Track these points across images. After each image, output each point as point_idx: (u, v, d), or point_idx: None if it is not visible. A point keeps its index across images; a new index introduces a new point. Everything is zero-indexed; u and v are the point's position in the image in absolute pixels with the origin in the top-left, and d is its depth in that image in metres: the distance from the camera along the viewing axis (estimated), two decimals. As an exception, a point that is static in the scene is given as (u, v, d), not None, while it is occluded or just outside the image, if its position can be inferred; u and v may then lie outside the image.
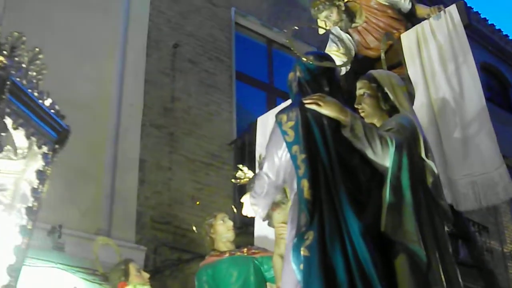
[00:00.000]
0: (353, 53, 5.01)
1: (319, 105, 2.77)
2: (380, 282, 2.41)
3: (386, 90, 3.18)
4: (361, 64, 5.19)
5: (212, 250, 4.66)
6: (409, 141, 2.89)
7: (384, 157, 2.77)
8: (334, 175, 2.60)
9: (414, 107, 4.43)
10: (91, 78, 7.25)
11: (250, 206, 3.10)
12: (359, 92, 3.26)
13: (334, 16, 4.90)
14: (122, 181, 7.02)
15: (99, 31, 7.57)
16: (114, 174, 7.01)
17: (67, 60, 7.07)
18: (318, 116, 2.74)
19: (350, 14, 4.97)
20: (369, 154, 2.76)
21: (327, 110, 2.76)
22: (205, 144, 7.85)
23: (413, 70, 4.64)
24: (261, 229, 5.11)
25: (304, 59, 2.94)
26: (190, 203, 7.20)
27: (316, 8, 4.92)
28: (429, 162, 2.93)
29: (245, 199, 3.18)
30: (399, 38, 4.85)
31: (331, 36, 5.10)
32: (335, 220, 2.52)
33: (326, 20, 4.96)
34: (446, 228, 2.98)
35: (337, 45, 5.00)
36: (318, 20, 5.11)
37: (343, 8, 4.92)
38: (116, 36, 7.75)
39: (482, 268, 4.00)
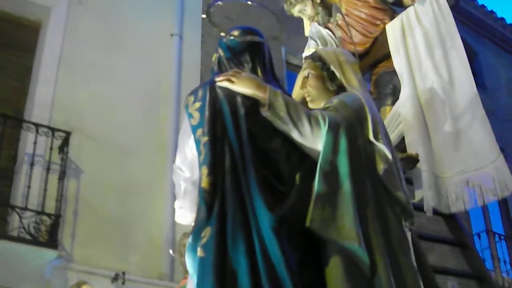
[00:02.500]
0: (334, 49, 4.54)
1: (232, 81, 2.33)
2: (294, 287, 1.92)
3: (332, 68, 2.71)
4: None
5: (187, 272, 4.21)
6: (351, 121, 2.40)
7: (315, 139, 2.30)
8: (244, 160, 2.15)
9: (399, 100, 4.00)
10: (146, 126, 7.21)
11: (178, 211, 2.65)
12: (303, 74, 2.81)
13: (309, 10, 4.47)
14: (183, 224, 6.91)
15: (152, 77, 7.56)
16: (174, 217, 6.91)
17: (123, 107, 7.06)
18: (231, 94, 2.30)
19: (327, 7, 4.52)
20: (295, 136, 2.29)
21: (241, 86, 2.32)
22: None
23: (398, 61, 4.15)
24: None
25: (223, 34, 2.52)
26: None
27: (288, 3, 4.50)
28: (380, 145, 2.43)
29: (175, 203, 2.73)
30: (384, 30, 4.37)
31: (310, 33, 4.66)
32: (241, 213, 2.06)
33: (301, 15, 4.54)
34: (406, 225, 2.46)
35: (316, 42, 4.53)
36: (304, 19, 4.68)
37: (318, 1, 4.48)
38: (170, 81, 7.70)
39: (483, 278, 3.42)
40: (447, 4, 4.04)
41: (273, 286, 1.92)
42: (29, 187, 5.83)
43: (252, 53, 2.50)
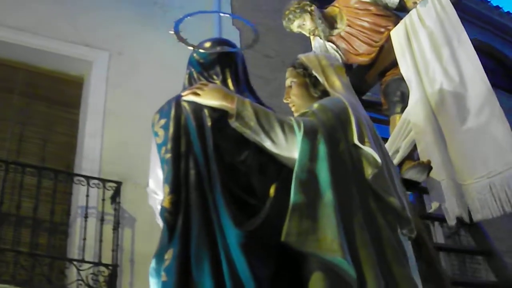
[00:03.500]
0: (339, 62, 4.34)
1: (197, 94, 2.18)
2: None
3: (314, 72, 2.54)
4: (356, 75, 4.54)
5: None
6: (331, 125, 2.21)
7: (291, 148, 2.11)
8: (210, 175, 1.98)
9: (408, 107, 3.77)
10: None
11: None
12: (286, 84, 2.64)
13: (308, 24, 4.30)
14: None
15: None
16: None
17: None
18: (198, 108, 2.16)
19: (327, 19, 4.35)
20: (268, 146, 2.11)
21: (207, 98, 2.17)
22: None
23: (404, 67, 3.94)
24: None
25: (190, 48, 2.39)
26: None
27: (287, 19, 4.34)
28: (366, 149, 2.22)
29: None
30: (389, 37, 4.18)
31: (313, 49, 4.49)
32: (206, 231, 1.90)
33: (301, 30, 4.37)
34: (403, 233, 2.23)
35: (319, 57, 4.36)
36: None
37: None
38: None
39: (509, 288, 3.11)
40: (449, 1, 3.82)
41: None
42: (84, 239, 5.86)
43: (222, 64, 2.36)
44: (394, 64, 4.11)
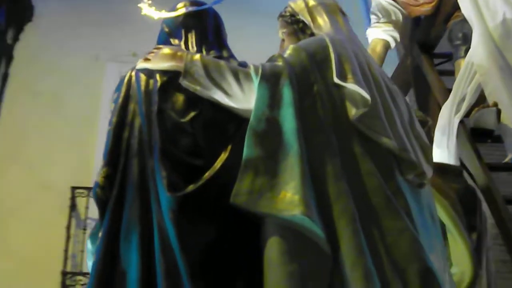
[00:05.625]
0: (399, 17, 3.91)
1: (148, 60, 1.99)
2: (192, 279, 1.51)
3: (301, 17, 2.23)
4: (425, 29, 4.08)
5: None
6: (303, 66, 1.89)
7: (249, 98, 1.84)
8: (151, 140, 1.77)
9: (471, 48, 3.29)
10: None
11: None
12: (279, 36, 2.36)
13: (355, -18, 3.93)
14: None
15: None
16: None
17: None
18: (149, 74, 1.98)
19: None
20: (221, 99, 1.85)
21: (157, 62, 1.98)
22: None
23: (464, 5, 3.43)
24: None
25: (152, 15, 2.21)
26: None
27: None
28: (350, 86, 1.87)
29: None
30: (448, -22, 3.69)
31: (371, 8, 4.10)
32: (140, 201, 1.70)
33: (348, -9, 3.99)
34: (408, 179, 1.84)
35: (377, 15, 3.96)
36: None
37: (363, -30, 3.93)
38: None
39: None
40: None
41: (169, 281, 1.51)
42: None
43: (186, 26, 2.17)
44: (457, 7, 3.61)
